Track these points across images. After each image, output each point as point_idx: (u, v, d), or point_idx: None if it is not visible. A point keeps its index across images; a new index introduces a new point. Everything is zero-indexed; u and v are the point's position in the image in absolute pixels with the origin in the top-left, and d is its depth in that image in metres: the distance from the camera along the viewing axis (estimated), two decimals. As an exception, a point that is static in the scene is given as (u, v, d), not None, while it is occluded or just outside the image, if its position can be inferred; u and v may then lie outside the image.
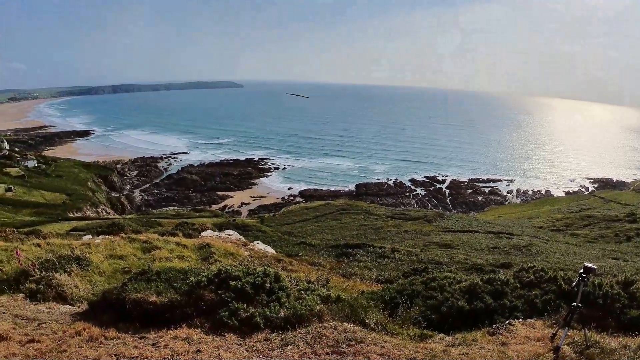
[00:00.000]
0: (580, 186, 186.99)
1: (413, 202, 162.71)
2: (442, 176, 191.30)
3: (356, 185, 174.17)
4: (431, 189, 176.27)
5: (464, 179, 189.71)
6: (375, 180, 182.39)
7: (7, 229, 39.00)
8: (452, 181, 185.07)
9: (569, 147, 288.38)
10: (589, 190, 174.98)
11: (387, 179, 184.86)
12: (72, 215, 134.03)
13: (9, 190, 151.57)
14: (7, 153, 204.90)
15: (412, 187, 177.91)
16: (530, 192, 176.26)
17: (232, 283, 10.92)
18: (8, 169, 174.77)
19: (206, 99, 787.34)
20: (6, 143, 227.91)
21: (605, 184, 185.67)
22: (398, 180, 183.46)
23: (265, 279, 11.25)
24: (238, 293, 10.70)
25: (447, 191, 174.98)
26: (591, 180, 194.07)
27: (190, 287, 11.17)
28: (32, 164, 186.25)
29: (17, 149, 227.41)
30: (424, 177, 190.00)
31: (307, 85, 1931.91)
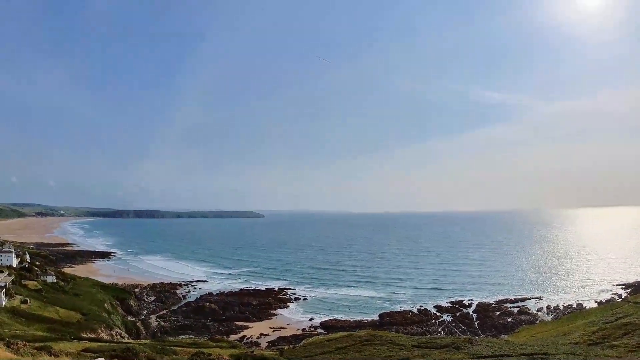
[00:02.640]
0: (613, 294, 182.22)
1: (440, 329, 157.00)
2: (468, 300, 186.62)
3: (379, 315, 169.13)
4: (458, 314, 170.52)
5: (491, 301, 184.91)
6: (399, 309, 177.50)
7: (18, 342, 37.27)
8: (479, 304, 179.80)
9: (596, 255, 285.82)
10: (622, 297, 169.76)
11: (412, 307, 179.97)
12: (85, 335, 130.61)
13: (25, 302, 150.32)
14: (27, 265, 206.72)
15: (438, 314, 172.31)
16: (561, 307, 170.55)
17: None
18: (26, 282, 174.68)
19: (228, 228, 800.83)
20: (28, 256, 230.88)
21: (638, 288, 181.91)
22: (423, 308, 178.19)
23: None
24: None
25: (475, 315, 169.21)
26: (623, 286, 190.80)
27: None
28: (50, 279, 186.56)
29: (37, 263, 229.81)
30: (449, 302, 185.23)
31: (328, 215, 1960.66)
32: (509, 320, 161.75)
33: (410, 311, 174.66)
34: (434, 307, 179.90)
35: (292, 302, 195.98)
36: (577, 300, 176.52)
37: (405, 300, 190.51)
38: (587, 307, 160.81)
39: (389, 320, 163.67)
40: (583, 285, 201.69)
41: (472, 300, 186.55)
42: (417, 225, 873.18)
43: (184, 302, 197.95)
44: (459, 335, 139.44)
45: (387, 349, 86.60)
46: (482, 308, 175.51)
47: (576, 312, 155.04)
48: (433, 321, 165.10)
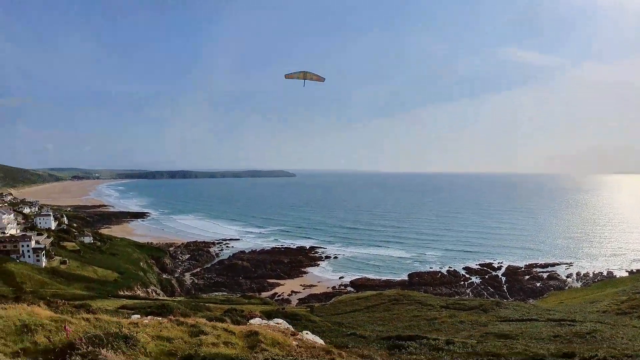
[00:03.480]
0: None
1: (468, 290, 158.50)
2: (498, 263, 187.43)
3: (409, 275, 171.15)
4: (487, 276, 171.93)
5: (521, 264, 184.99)
6: (428, 269, 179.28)
7: (58, 301, 39.43)
8: (509, 267, 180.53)
9: (629, 224, 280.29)
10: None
11: (441, 268, 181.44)
12: (122, 293, 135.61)
13: (64, 263, 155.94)
14: (65, 227, 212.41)
15: (467, 276, 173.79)
16: (591, 275, 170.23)
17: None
18: (65, 243, 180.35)
19: (260, 187, 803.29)
20: (65, 218, 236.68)
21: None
22: (452, 269, 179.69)
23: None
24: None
25: (504, 278, 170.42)
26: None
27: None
28: (88, 240, 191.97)
29: (75, 225, 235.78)
30: (479, 264, 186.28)
31: (362, 174, 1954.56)
32: (538, 285, 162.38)
33: (440, 272, 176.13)
34: (463, 268, 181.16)
35: (323, 261, 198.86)
36: (608, 269, 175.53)
37: (435, 261, 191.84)
38: (618, 276, 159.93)
39: (418, 280, 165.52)
40: (615, 253, 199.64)
41: (501, 263, 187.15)
42: (448, 186, 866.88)
43: (217, 260, 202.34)
44: (487, 297, 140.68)
45: (415, 309, 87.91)
46: (512, 271, 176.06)
47: (606, 280, 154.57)
48: (462, 283, 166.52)
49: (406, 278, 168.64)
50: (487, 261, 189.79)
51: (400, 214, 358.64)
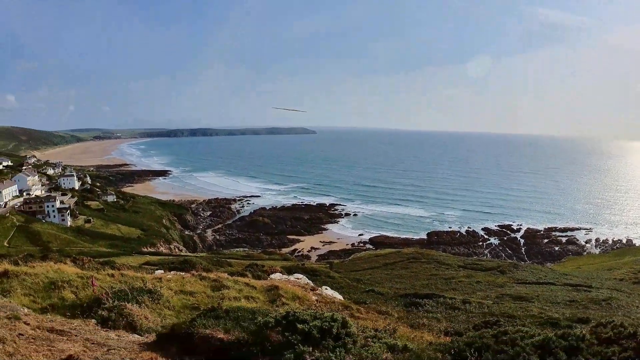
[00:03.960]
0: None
1: (486, 251, 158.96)
2: (517, 225, 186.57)
3: (427, 234, 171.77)
4: (505, 238, 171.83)
5: (540, 228, 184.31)
6: (447, 229, 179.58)
7: (84, 258, 40.58)
8: (528, 230, 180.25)
9: None
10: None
11: (460, 228, 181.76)
12: (145, 249, 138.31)
13: (88, 221, 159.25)
14: (89, 187, 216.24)
15: (486, 237, 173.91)
16: (610, 242, 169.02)
17: (300, 326, 10.82)
18: (89, 202, 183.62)
19: (280, 144, 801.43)
20: (89, 178, 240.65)
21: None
22: (471, 229, 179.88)
23: (333, 324, 11.08)
24: (305, 336, 10.59)
25: (522, 241, 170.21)
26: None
27: (258, 327, 11.16)
28: (111, 198, 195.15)
29: (98, 184, 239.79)
30: (498, 226, 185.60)
31: (382, 131, 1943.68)
32: (556, 249, 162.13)
33: (458, 232, 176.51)
34: (482, 229, 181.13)
35: (342, 218, 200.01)
36: (627, 237, 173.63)
37: (454, 221, 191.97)
38: (637, 245, 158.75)
39: (436, 239, 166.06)
40: (635, 222, 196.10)
41: (520, 225, 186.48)
42: (467, 146, 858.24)
43: (238, 216, 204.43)
44: (504, 259, 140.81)
45: (433, 268, 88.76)
46: (530, 234, 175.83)
47: (625, 248, 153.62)
48: (480, 243, 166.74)
49: (425, 237, 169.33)
50: (506, 223, 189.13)
51: (419, 172, 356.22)
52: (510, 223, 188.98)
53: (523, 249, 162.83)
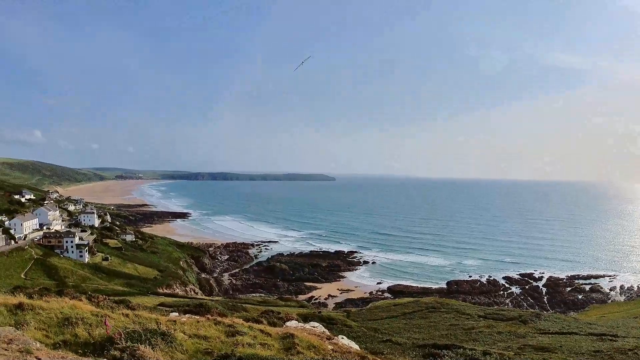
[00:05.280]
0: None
1: (507, 301, 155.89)
2: (539, 273, 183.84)
3: (447, 283, 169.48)
4: (527, 287, 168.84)
5: (563, 276, 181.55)
6: (467, 278, 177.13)
7: (99, 296, 40.37)
8: (549, 278, 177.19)
9: None
10: None
11: (480, 276, 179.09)
12: (161, 290, 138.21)
13: (106, 259, 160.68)
14: (108, 225, 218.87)
15: (507, 285, 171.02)
16: (635, 288, 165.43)
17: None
18: (107, 240, 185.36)
19: (299, 191, 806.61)
20: (109, 216, 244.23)
21: None
22: (492, 278, 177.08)
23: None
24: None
25: (544, 289, 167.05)
26: None
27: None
28: (130, 238, 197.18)
29: (117, 223, 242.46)
30: (519, 274, 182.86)
31: (400, 179, 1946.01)
32: (580, 297, 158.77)
33: (479, 281, 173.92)
34: (503, 278, 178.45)
35: (361, 266, 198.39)
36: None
37: (474, 270, 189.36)
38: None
39: (456, 288, 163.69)
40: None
41: (542, 273, 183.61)
42: (487, 193, 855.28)
43: (255, 261, 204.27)
44: (526, 308, 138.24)
45: (453, 317, 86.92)
46: (553, 282, 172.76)
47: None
48: (501, 292, 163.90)
49: (444, 286, 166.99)
50: (528, 271, 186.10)
51: (439, 220, 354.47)
52: (532, 271, 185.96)
53: (545, 297, 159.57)
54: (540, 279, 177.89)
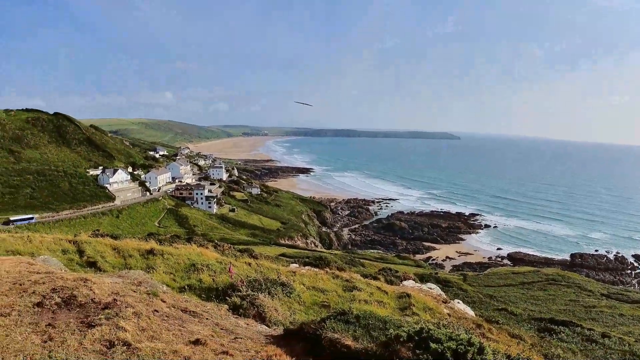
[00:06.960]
0: None
1: (634, 282, 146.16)
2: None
3: (571, 255, 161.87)
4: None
5: None
6: (592, 252, 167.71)
7: (224, 244, 42.60)
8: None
9: None
10: None
11: (607, 252, 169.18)
12: (283, 241, 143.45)
13: (232, 210, 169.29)
14: (235, 179, 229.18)
15: (636, 264, 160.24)
16: None
17: (433, 345, 10.21)
18: (234, 193, 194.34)
19: (422, 149, 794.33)
20: (236, 170, 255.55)
21: None
22: (620, 255, 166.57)
23: (469, 348, 10.32)
24: (437, 357, 9.96)
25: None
26: None
27: (388, 340, 10.74)
28: (255, 191, 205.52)
29: (244, 177, 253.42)
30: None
31: (527, 140, 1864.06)
32: None
33: (605, 256, 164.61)
34: (632, 255, 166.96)
35: (482, 229, 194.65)
36: None
37: (601, 244, 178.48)
38: None
39: (580, 261, 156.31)
40: None
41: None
42: (621, 161, 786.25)
43: (375, 218, 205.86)
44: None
45: (574, 292, 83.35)
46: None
47: None
48: (629, 271, 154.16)
49: (568, 258, 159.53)
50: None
51: (565, 187, 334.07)
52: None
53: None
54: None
